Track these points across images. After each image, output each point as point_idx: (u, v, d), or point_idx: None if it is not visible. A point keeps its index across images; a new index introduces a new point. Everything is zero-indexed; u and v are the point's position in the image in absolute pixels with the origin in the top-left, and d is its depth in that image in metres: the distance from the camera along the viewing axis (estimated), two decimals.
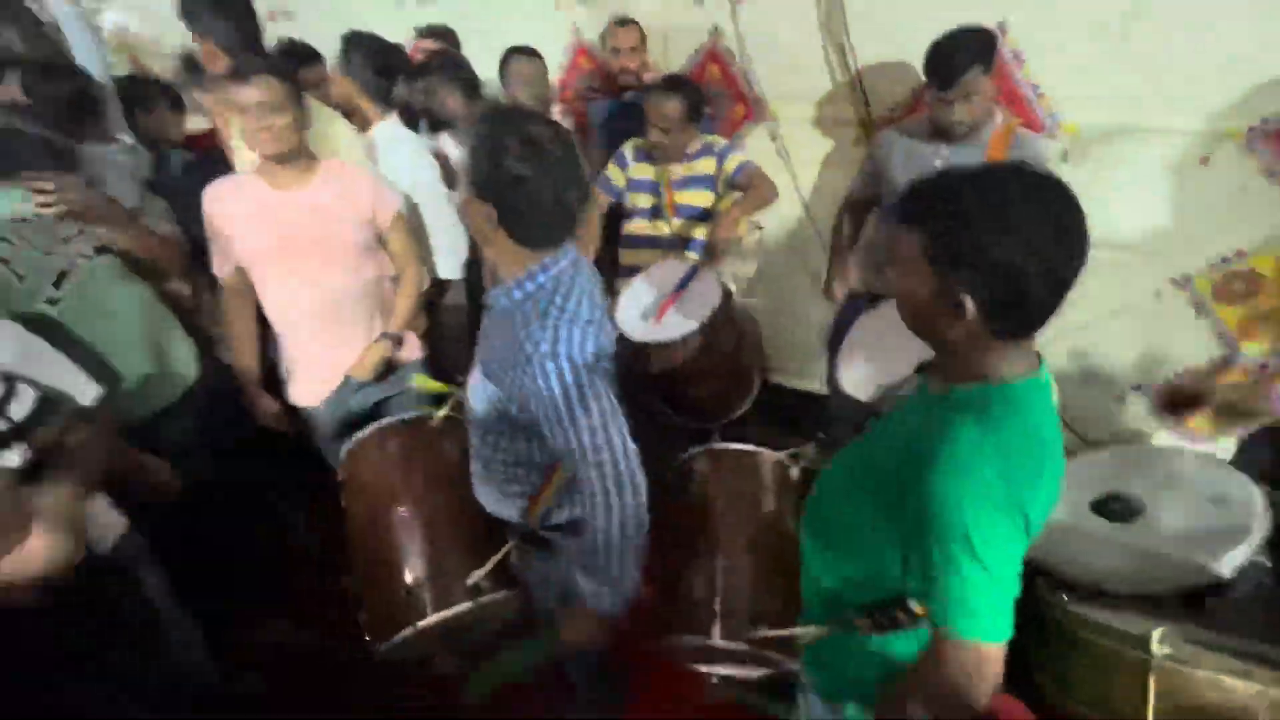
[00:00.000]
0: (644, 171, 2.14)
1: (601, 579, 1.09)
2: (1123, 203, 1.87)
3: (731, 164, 2.04)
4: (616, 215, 2.27)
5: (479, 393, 1.18)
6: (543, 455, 1.18)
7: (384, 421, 1.52)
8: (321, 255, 1.64)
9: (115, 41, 3.88)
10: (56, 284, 1.45)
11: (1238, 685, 1.11)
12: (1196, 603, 1.37)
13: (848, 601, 1.01)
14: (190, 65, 2.93)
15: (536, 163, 0.99)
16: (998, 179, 0.75)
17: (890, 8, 1.95)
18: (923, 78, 1.96)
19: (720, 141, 2.11)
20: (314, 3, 3.26)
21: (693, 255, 2.06)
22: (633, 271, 2.07)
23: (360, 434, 1.51)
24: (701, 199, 2.11)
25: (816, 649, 1.11)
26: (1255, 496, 1.48)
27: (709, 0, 2.27)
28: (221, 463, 1.77)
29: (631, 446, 1.07)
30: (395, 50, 2.39)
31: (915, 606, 0.87)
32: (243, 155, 1.87)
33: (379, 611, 1.38)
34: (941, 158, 1.78)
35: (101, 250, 1.52)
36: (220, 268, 1.67)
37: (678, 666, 1.51)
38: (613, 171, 2.18)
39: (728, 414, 1.96)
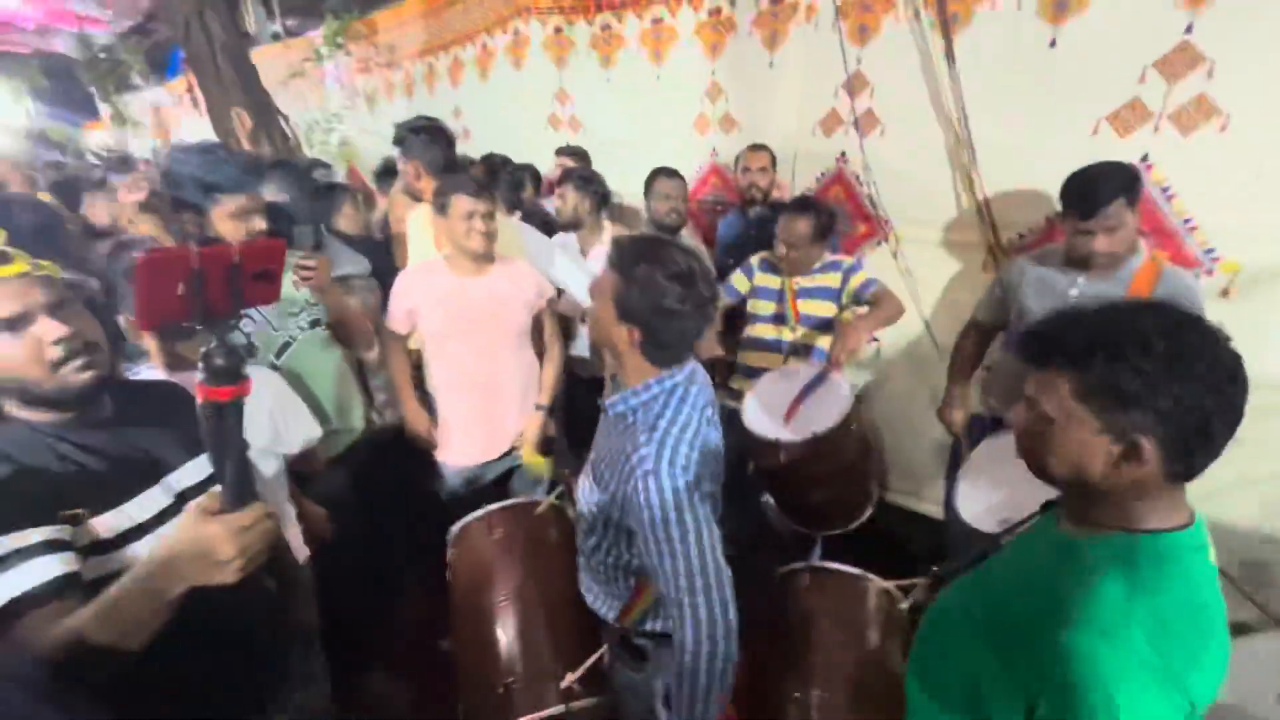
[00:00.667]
0: (769, 280, 2.26)
1: (683, 710, 1.05)
2: None
3: (857, 280, 2.11)
4: (735, 316, 2.39)
5: (586, 492, 1.23)
6: (639, 564, 1.17)
7: (493, 506, 1.62)
8: (495, 333, 1.91)
9: (336, 151, 4.84)
10: (278, 354, 1.75)
11: None
12: None
13: None
14: (384, 173, 3.57)
15: (687, 297, 1.04)
16: (1153, 314, 0.73)
17: (1018, 137, 2.00)
18: (1055, 206, 1.97)
19: (847, 260, 2.19)
20: (491, 125, 3.88)
21: (817, 363, 2.10)
22: (753, 373, 2.14)
23: (470, 516, 1.60)
24: (824, 309, 2.17)
25: None
26: None
27: (837, 130, 2.44)
28: (367, 515, 1.95)
29: (727, 573, 1.04)
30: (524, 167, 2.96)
31: None
32: (417, 247, 2.19)
33: (473, 701, 1.40)
34: (1078, 287, 1.73)
35: (315, 323, 1.84)
36: (396, 324, 1.92)
37: None
38: (737, 279, 2.33)
39: (840, 525, 1.88)
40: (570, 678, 1.30)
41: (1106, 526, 0.77)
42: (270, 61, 5.03)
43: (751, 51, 2.58)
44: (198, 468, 1.03)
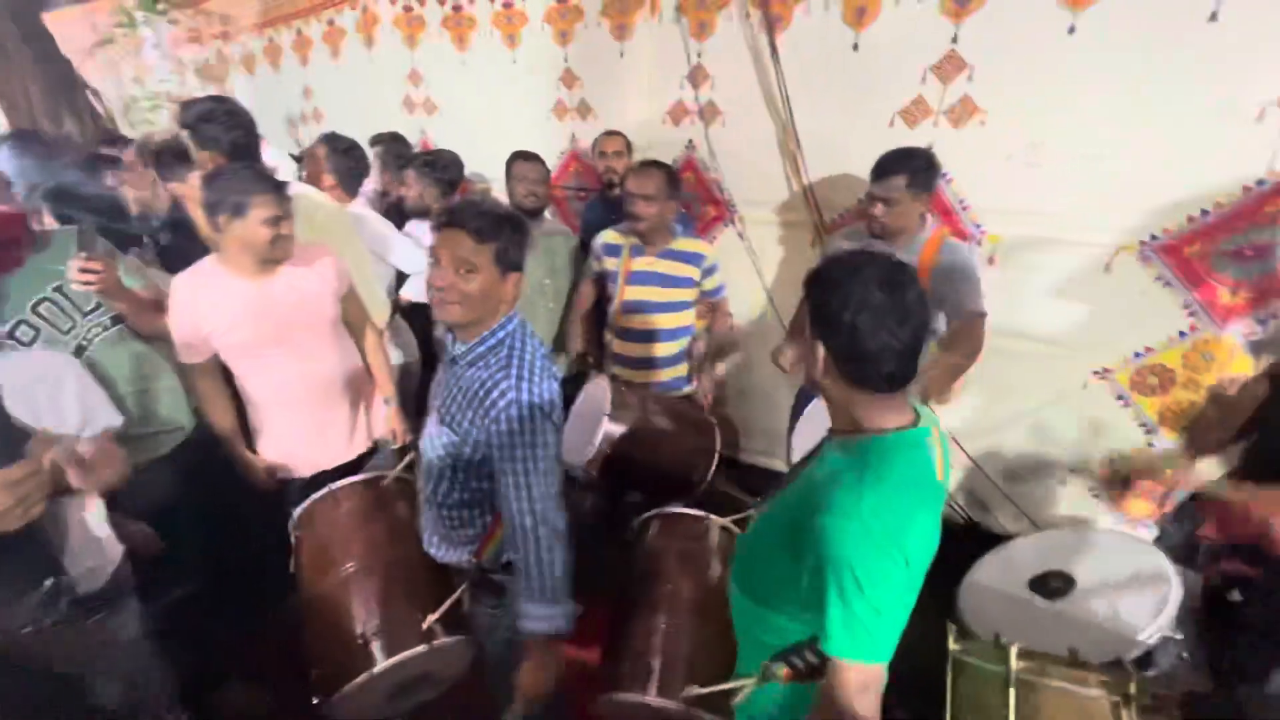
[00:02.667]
0: (610, 264, 2.36)
1: (551, 597, 1.20)
2: (1045, 303, 2.10)
3: (712, 282, 2.28)
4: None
5: (434, 440, 1.30)
6: (491, 490, 1.28)
7: (337, 484, 1.56)
8: (310, 332, 1.78)
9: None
10: (76, 354, 1.59)
11: (1078, 691, 1.21)
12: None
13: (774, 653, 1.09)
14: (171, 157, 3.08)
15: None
16: (852, 259, 0.95)
17: (834, 127, 2.27)
18: (865, 189, 2.25)
19: (710, 257, 2.28)
20: (343, 107, 3.68)
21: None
22: (624, 362, 2.31)
23: (314, 496, 1.54)
24: (685, 295, 2.29)
25: (748, 707, 1.15)
26: (1170, 575, 1.58)
27: (684, 121, 2.61)
28: (202, 522, 1.81)
29: (558, 486, 1.23)
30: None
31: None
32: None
33: (329, 665, 1.35)
34: None
35: (117, 320, 1.68)
36: (191, 354, 1.71)
37: None
38: (588, 266, 2.48)
39: (687, 490, 2.01)
40: (431, 618, 1.32)
41: (847, 433, 0.99)
42: (71, 26, 4.38)
43: (602, 41, 2.67)
44: None
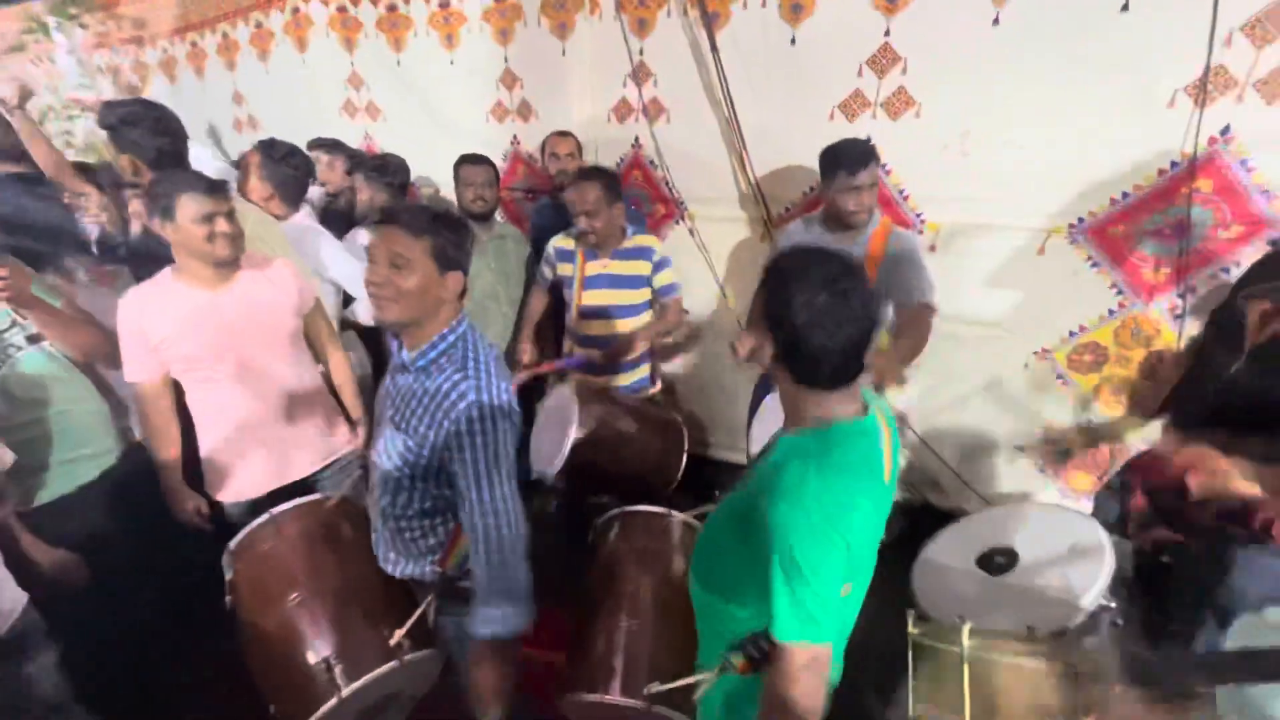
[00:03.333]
0: (566, 269, 2.35)
1: (507, 597, 1.20)
2: (984, 287, 2.17)
3: (663, 278, 2.25)
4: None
5: (387, 449, 1.27)
6: (451, 497, 1.26)
7: (277, 509, 1.48)
8: (265, 347, 1.71)
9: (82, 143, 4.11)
10: None
11: (1027, 663, 1.26)
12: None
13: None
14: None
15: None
16: (804, 259, 0.96)
17: (776, 122, 2.30)
18: (810, 182, 2.29)
19: (659, 251, 2.26)
20: (278, 113, 3.54)
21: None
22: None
23: (251, 525, 1.45)
24: (636, 297, 2.28)
25: (709, 700, 1.16)
26: (1105, 544, 1.65)
27: (629, 118, 2.60)
28: (136, 550, 1.71)
29: (514, 485, 1.21)
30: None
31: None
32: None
33: (290, 697, 1.29)
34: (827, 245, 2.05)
35: (33, 339, 1.58)
36: (141, 372, 1.64)
37: None
38: (541, 274, 2.45)
39: (662, 489, 2.01)
40: (399, 633, 1.30)
41: (798, 424, 1.02)
42: None
43: (542, 40, 2.64)
44: None
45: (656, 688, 1.22)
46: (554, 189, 2.73)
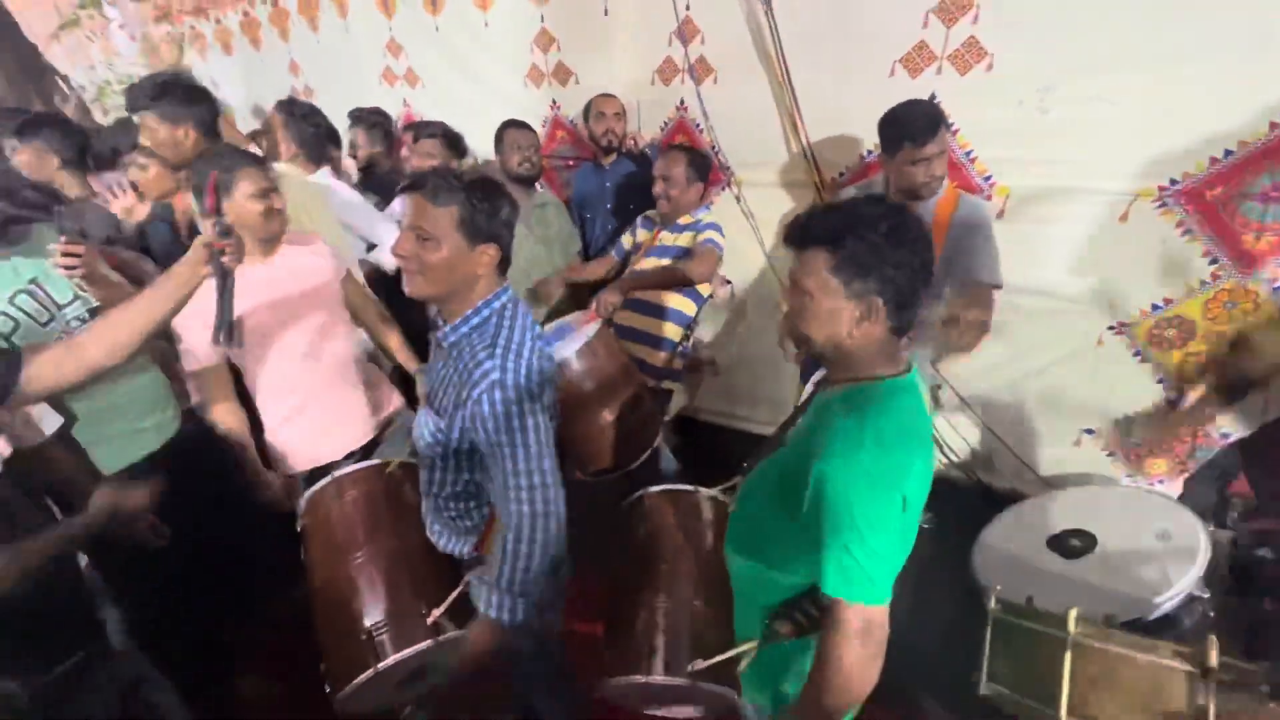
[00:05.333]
0: (642, 236, 2.40)
1: (513, 591, 1.16)
2: (1058, 257, 2.01)
3: (701, 237, 2.20)
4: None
5: (425, 428, 1.24)
6: (483, 481, 1.24)
7: (341, 471, 1.53)
8: (319, 317, 1.73)
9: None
10: None
11: (1143, 658, 1.18)
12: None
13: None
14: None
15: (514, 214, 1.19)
16: (878, 207, 0.92)
17: (830, 81, 2.15)
18: (866, 146, 2.15)
19: (705, 221, 2.24)
20: (330, 82, 3.55)
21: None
22: (624, 333, 2.22)
23: (318, 484, 1.51)
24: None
25: (755, 672, 1.14)
26: (1198, 532, 1.52)
27: (674, 80, 2.49)
28: (206, 512, 1.76)
29: (556, 475, 1.16)
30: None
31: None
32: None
33: (339, 658, 1.36)
34: None
35: (95, 312, 1.61)
36: (208, 354, 1.65)
37: (631, 713, 1.51)
38: (625, 238, 2.48)
39: (634, 454, 1.86)
40: (436, 613, 1.31)
41: (847, 380, 0.98)
42: (33, 9, 4.21)
43: None
44: None
45: (700, 664, 1.19)
46: (596, 153, 2.66)
